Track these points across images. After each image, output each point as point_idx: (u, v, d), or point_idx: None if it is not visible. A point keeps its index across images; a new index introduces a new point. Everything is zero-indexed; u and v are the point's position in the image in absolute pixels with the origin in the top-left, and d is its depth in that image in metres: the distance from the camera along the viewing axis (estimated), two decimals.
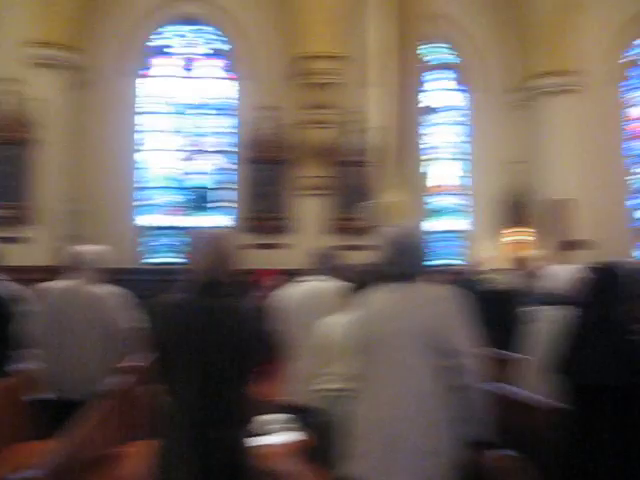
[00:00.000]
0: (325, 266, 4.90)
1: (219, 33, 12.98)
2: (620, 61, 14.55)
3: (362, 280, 3.77)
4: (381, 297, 3.03)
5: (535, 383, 4.22)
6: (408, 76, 8.06)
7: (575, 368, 2.89)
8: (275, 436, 4.19)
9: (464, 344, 2.85)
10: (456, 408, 2.82)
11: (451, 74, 14.12)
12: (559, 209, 12.52)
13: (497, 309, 7.83)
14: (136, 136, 12.60)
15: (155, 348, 2.92)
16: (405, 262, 2.99)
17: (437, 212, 13.43)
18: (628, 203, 14.39)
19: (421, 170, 9.14)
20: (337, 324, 3.93)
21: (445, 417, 2.80)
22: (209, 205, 12.71)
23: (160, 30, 12.88)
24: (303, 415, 4.33)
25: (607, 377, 2.72)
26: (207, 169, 12.82)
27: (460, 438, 2.81)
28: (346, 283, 4.20)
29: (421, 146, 8.99)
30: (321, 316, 4.22)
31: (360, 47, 11.03)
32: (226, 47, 13.00)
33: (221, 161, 12.82)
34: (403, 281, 2.98)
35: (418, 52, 8.79)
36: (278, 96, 12.44)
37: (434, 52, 13.73)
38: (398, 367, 2.85)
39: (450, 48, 14.05)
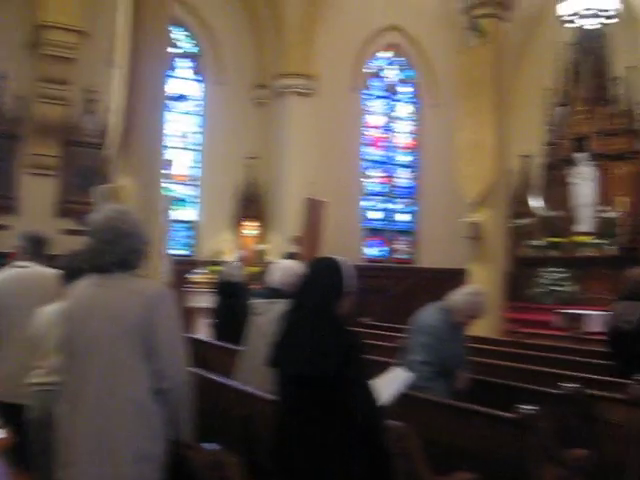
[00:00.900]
0: (35, 251, 4.52)
1: None
2: (363, 70, 15.50)
3: (74, 268, 3.54)
4: (84, 290, 2.81)
5: (253, 374, 4.30)
6: (153, 60, 7.83)
7: (285, 359, 2.94)
8: None
9: (169, 345, 2.73)
10: (162, 410, 2.71)
11: (189, 63, 14.02)
12: (310, 207, 13.03)
13: (228, 301, 7.93)
14: None
15: None
16: (113, 251, 2.76)
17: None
18: (361, 204, 15.43)
19: (160, 157, 8.98)
20: (54, 314, 3.67)
21: (152, 420, 2.68)
22: None
23: None
24: (10, 412, 4.00)
25: (314, 368, 2.80)
26: None
27: (167, 440, 2.72)
28: (58, 270, 3.93)
29: (161, 133, 8.83)
30: (28, 304, 3.91)
31: (106, 25, 10.53)
32: None
33: None
34: (109, 273, 2.76)
35: (166, 37, 8.60)
36: (7, 64, 11.44)
37: (177, 39, 13.57)
38: (100, 368, 2.66)
39: (190, 37, 13.94)
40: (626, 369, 5.00)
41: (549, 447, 3.60)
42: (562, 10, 11.58)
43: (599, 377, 5.19)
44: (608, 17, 11.38)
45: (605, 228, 13.28)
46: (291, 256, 9.27)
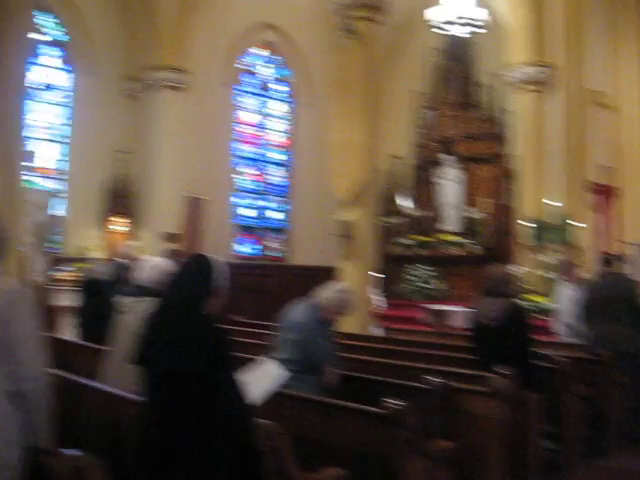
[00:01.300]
0: None
1: None
2: (235, 65, 15.39)
3: None
4: None
5: (119, 375, 4.17)
6: (10, 45, 7.46)
7: (151, 357, 2.87)
8: None
9: (27, 345, 2.59)
10: (19, 414, 2.57)
11: (58, 51, 13.42)
12: (189, 205, 12.83)
13: (93, 299, 7.67)
14: None
15: None
16: None
17: None
18: (232, 200, 15.33)
19: (21, 149, 8.60)
20: None
21: (7, 425, 2.54)
22: None
23: None
24: None
25: (180, 364, 2.75)
26: None
27: (24, 446, 2.59)
28: None
29: (20, 124, 8.43)
30: None
31: None
32: None
33: None
34: None
35: (29, 23, 8.22)
36: None
37: (46, 26, 13.00)
38: None
39: (60, 24, 13.36)
40: (487, 363, 5.21)
41: (415, 440, 3.69)
42: (431, 16, 11.91)
43: (463, 371, 5.38)
44: (475, 25, 11.81)
45: (470, 228, 13.86)
46: (169, 253, 9.06)
